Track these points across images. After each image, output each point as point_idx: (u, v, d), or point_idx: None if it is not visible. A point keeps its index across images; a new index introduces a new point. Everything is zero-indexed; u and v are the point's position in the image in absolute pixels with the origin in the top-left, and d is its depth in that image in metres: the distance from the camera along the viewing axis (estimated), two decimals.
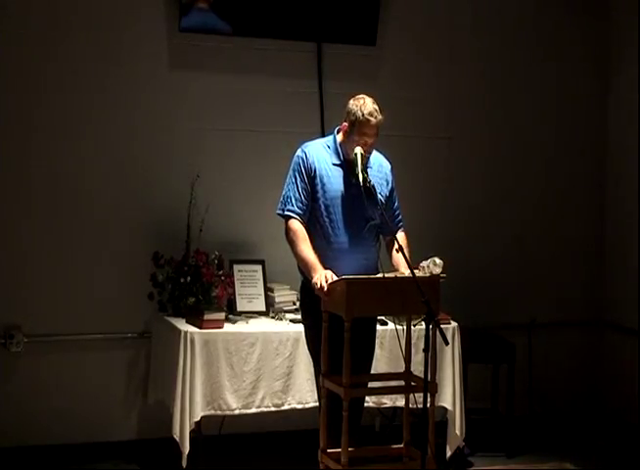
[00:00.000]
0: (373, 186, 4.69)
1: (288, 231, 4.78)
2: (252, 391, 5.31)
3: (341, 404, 4.46)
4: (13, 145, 5.57)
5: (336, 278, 4.52)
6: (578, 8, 6.66)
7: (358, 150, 4.70)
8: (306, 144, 4.89)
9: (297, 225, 4.75)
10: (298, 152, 4.85)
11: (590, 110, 6.76)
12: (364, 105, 4.70)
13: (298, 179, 4.78)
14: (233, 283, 5.59)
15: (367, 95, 4.77)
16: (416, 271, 4.53)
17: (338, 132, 4.87)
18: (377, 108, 4.71)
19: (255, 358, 5.32)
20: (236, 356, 5.29)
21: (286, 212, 4.78)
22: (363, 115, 4.67)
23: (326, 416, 4.61)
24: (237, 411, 5.30)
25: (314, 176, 4.77)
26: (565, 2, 6.64)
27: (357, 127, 4.69)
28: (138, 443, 5.79)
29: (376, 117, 4.69)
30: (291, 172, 4.83)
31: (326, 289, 4.51)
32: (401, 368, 4.81)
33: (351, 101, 4.76)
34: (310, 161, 4.78)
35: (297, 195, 4.77)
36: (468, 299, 6.20)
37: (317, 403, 4.83)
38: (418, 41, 6.30)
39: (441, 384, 5.42)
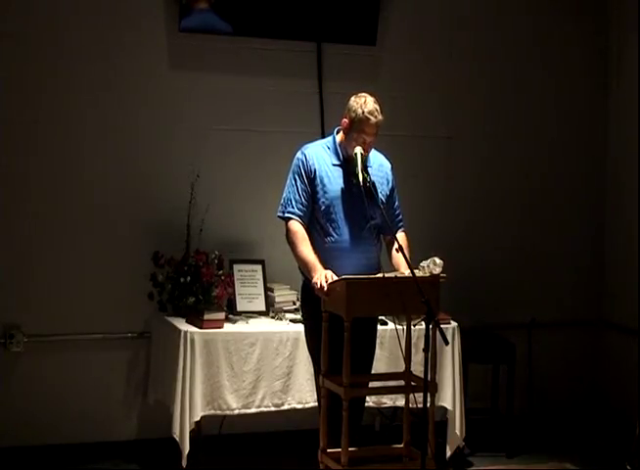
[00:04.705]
0: (373, 185, 4.70)
1: (288, 233, 4.78)
2: (252, 391, 5.31)
3: (341, 404, 4.46)
4: (13, 145, 5.57)
5: (336, 278, 4.53)
6: (578, 8, 6.66)
7: (358, 150, 4.71)
8: (306, 146, 4.89)
9: (296, 227, 4.75)
10: (298, 154, 4.85)
11: (590, 110, 6.75)
12: (365, 103, 4.70)
13: (298, 181, 4.79)
14: (233, 283, 5.59)
15: (369, 94, 4.77)
16: (416, 271, 4.53)
17: (337, 133, 4.88)
18: (377, 108, 4.72)
19: (255, 358, 5.32)
20: (236, 356, 5.29)
21: (286, 215, 4.79)
22: (363, 112, 4.68)
23: (326, 416, 4.61)
24: (237, 411, 5.30)
25: (314, 178, 4.77)
26: (565, 2, 6.64)
27: (356, 125, 4.70)
28: (138, 443, 5.79)
29: (376, 117, 4.70)
30: (291, 175, 4.84)
31: (326, 289, 4.51)
32: (401, 368, 4.81)
33: (353, 98, 4.77)
34: (310, 162, 4.79)
35: (298, 197, 4.77)
36: (468, 299, 6.20)
37: (317, 403, 4.83)
38: (418, 41, 6.30)
39: (441, 384, 5.42)
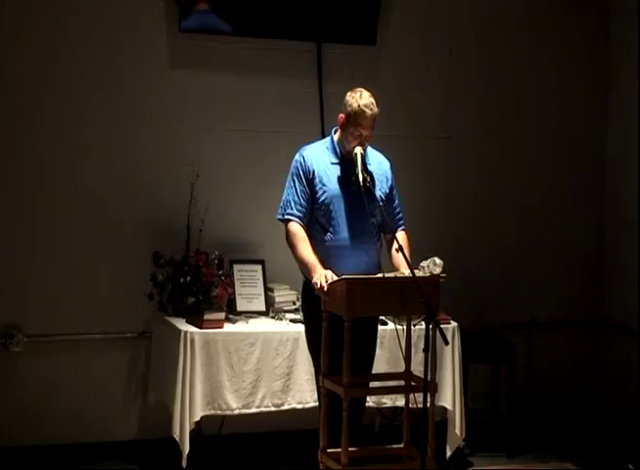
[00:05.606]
0: (373, 185, 4.71)
1: (288, 234, 4.79)
2: (252, 391, 5.31)
3: (341, 404, 4.46)
4: (13, 144, 5.57)
5: (336, 278, 4.52)
6: (578, 8, 6.66)
7: (358, 150, 4.71)
8: (304, 147, 4.90)
9: (296, 228, 4.75)
10: (296, 156, 4.86)
11: (590, 110, 6.76)
12: (360, 97, 4.72)
13: (297, 183, 4.79)
14: (233, 283, 5.59)
15: (365, 89, 4.78)
16: (416, 271, 4.53)
17: (335, 132, 4.88)
18: (373, 101, 4.73)
19: (255, 358, 5.32)
20: (236, 356, 5.29)
21: (286, 216, 4.79)
22: (359, 106, 4.69)
23: (326, 416, 4.61)
24: (237, 411, 5.30)
25: (313, 178, 4.78)
26: (565, 2, 6.64)
27: (353, 118, 4.71)
28: (138, 443, 5.79)
29: (372, 110, 4.71)
30: (289, 177, 4.85)
31: (326, 289, 4.51)
32: (401, 368, 4.81)
33: (348, 93, 4.78)
34: (308, 163, 4.79)
35: (297, 198, 4.77)
36: (468, 299, 6.20)
37: (317, 403, 4.83)
38: (418, 41, 6.31)
39: (441, 384, 5.42)
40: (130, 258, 5.71)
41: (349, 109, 4.72)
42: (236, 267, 5.67)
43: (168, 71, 5.82)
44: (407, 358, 4.72)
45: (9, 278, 5.56)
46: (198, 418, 5.20)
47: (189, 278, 5.44)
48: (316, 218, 4.79)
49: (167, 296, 5.56)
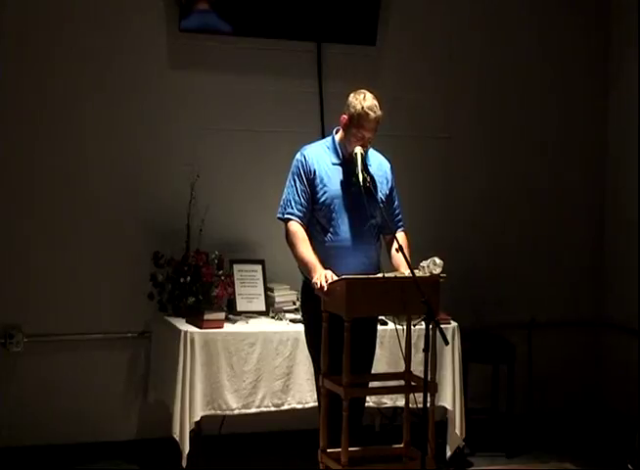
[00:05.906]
0: (373, 185, 4.71)
1: (288, 233, 4.79)
2: (252, 391, 5.32)
3: (341, 404, 4.46)
4: (13, 144, 5.57)
5: (336, 278, 4.52)
6: (578, 8, 6.66)
7: (358, 150, 4.71)
8: (305, 147, 4.90)
9: (296, 227, 4.75)
10: (297, 155, 4.86)
11: (590, 110, 6.76)
12: (364, 99, 4.72)
13: (298, 182, 4.79)
14: (233, 283, 5.59)
15: (368, 91, 4.78)
16: (416, 271, 4.53)
17: (336, 132, 4.88)
18: (376, 104, 4.73)
19: (255, 358, 5.32)
20: (236, 356, 5.29)
21: (286, 216, 4.79)
22: (363, 108, 4.69)
23: (326, 416, 4.61)
24: (237, 411, 5.30)
25: (314, 178, 4.78)
26: (565, 2, 6.64)
27: (356, 120, 4.70)
28: (138, 443, 5.79)
29: (375, 112, 4.71)
30: (290, 176, 4.84)
31: (326, 289, 4.51)
32: (401, 368, 4.81)
33: (352, 95, 4.78)
34: (309, 163, 4.79)
35: (297, 198, 4.77)
36: (468, 299, 6.20)
37: (317, 403, 4.82)
38: (418, 41, 6.31)
39: (441, 384, 5.42)
40: (130, 258, 5.71)
41: (353, 110, 4.72)
42: (236, 267, 5.67)
43: (168, 71, 5.82)
44: (407, 358, 4.72)
45: (9, 278, 5.56)
46: (198, 418, 5.20)
47: (189, 278, 5.45)
48: (316, 219, 4.79)
49: (167, 296, 5.56)
